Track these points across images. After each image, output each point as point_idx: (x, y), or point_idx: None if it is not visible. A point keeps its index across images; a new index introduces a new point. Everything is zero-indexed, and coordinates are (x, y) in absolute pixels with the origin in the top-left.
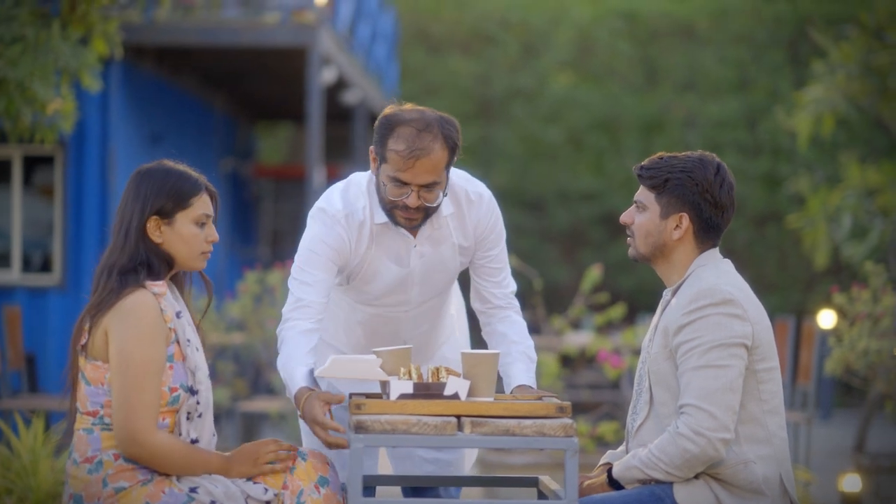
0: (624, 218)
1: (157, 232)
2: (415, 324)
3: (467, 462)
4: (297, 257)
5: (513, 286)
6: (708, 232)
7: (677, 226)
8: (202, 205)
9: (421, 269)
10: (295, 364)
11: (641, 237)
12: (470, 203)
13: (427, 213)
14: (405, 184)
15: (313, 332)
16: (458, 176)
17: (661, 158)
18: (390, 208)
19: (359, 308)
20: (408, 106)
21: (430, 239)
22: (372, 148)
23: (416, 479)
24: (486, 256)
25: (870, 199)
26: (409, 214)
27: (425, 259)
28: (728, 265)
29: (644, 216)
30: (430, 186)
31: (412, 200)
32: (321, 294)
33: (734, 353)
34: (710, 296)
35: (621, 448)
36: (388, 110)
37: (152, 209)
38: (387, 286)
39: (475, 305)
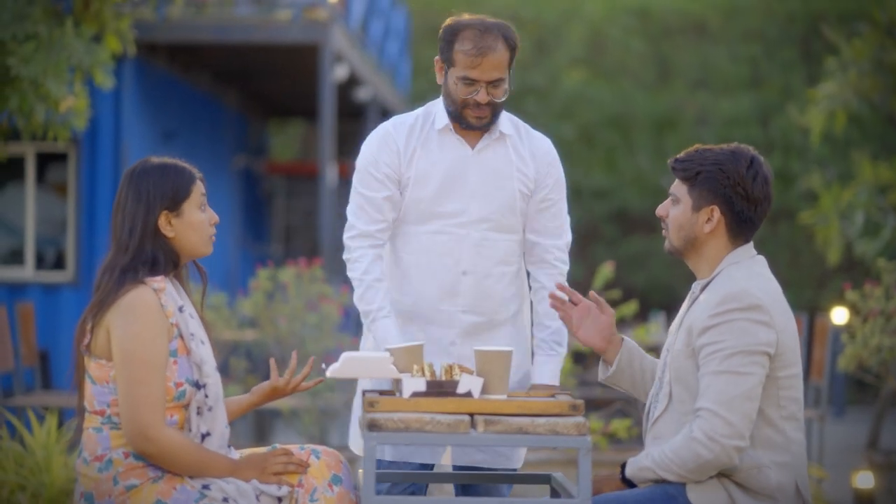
0: (659, 210)
1: (168, 226)
2: (476, 253)
3: (521, 452)
4: (353, 181)
5: (568, 237)
6: (741, 226)
7: (709, 219)
8: (199, 188)
9: (477, 174)
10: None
11: (675, 230)
12: (529, 134)
13: (495, 110)
14: (474, 81)
15: (376, 262)
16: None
17: (696, 151)
18: (462, 108)
19: (418, 235)
20: (465, 15)
21: (488, 150)
22: (437, 58)
23: (429, 475)
24: (546, 199)
25: (882, 195)
26: (480, 112)
27: (482, 166)
28: (761, 265)
29: (677, 209)
30: (496, 83)
31: (482, 96)
32: (378, 215)
33: (756, 361)
34: (738, 300)
35: (644, 452)
36: (449, 21)
37: (162, 204)
38: (441, 186)
39: (529, 265)
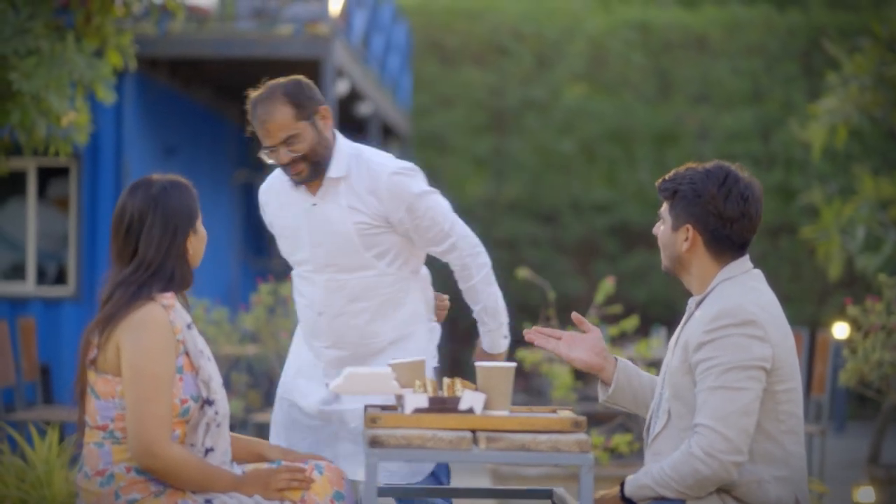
0: (654, 230)
1: (189, 244)
2: (327, 295)
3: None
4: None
5: (453, 236)
6: (719, 244)
7: (686, 238)
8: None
9: (310, 222)
10: None
11: (662, 250)
12: (370, 169)
13: (310, 161)
14: (271, 148)
15: None
16: (372, 152)
17: (682, 170)
18: (283, 172)
19: (293, 279)
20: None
21: (323, 197)
22: None
23: (427, 490)
24: (406, 222)
25: (883, 210)
26: (294, 170)
27: (313, 213)
28: (756, 279)
29: (662, 228)
30: (288, 141)
31: (283, 157)
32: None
33: (752, 376)
34: (732, 315)
35: (643, 469)
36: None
37: (190, 224)
38: (288, 239)
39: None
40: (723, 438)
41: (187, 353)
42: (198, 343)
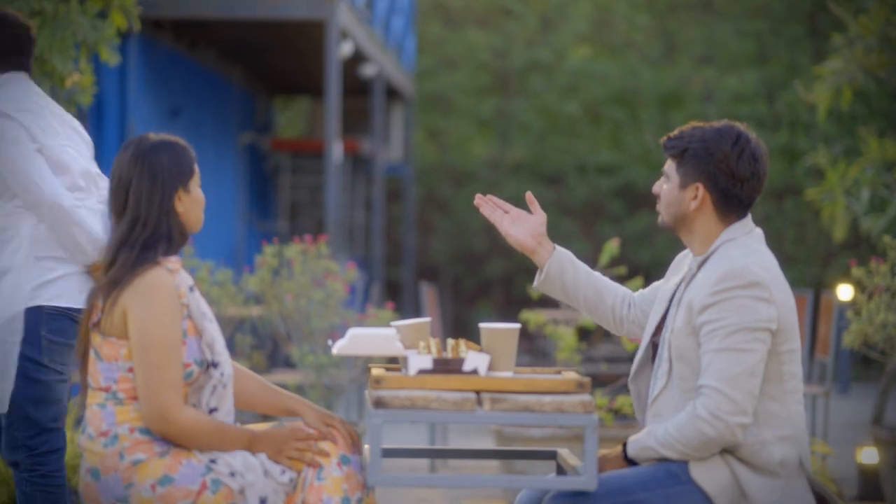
0: (654, 188)
1: (179, 202)
2: None
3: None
4: None
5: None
6: (728, 203)
7: (694, 196)
8: (196, 166)
9: None
10: None
11: (665, 207)
12: None
13: None
14: None
15: None
16: None
17: (689, 129)
18: None
19: None
20: None
21: None
22: None
23: (434, 451)
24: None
25: (888, 172)
26: None
27: None
28: (758, 241)
29: (667, 186)
30: None
31: None
32: None
33: (758, 338)
34: (738, 277)
35: (646, 431)
36: None
37: (179, 182)
38: None
39: None
40: (729, 400)
41: (190, 317)
42: (200, 305)
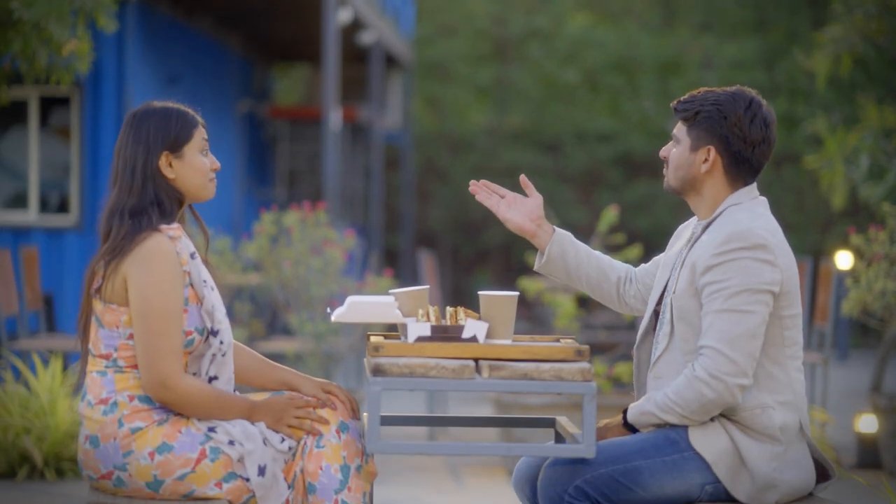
0: (662, 152)
1: (168, 167)
2: None
3: None
4: None
5: None
6: (738, 167)
7: (706, 159)
8: (201, 133)
9: None
10: None
11: (673, 170)
12: None
13: None
14: None
15: None
16: None
17: (700, 93)
18: None
19: None
20: None
21: None
22: None
23: (433, 419)
24: None
25: (888, 139)
26: None
27: None
28: (763, 206)
29: (677, 149)
30: None
31: None
32: None
33: (760, 300)
34: (743, 239)
35: (645, 396)
36: None
37: (162, 145)
38: None
39: None
40: (729, 361)
41: (192, 285)
42: (201, 273)
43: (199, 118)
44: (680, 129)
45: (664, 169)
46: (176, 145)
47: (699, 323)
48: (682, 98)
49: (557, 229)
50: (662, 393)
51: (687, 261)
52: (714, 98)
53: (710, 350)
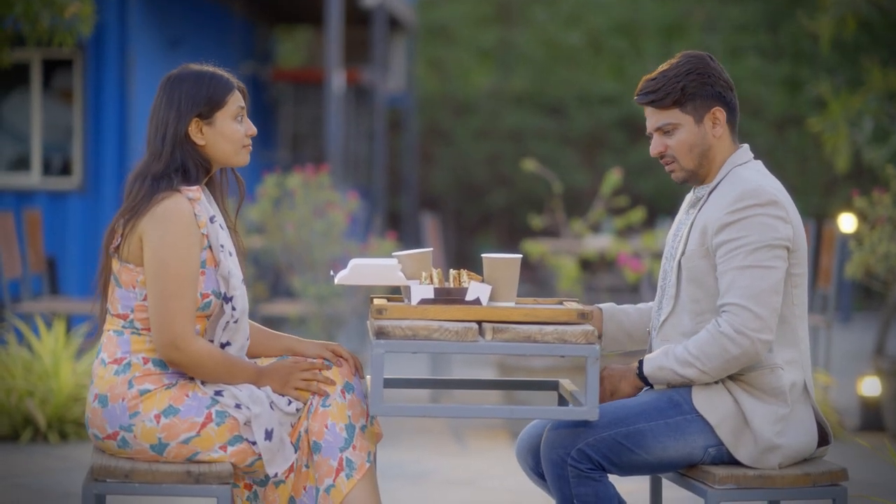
0: (653, 151)
1: (199, 134)
2: None
3: None
4: None
5: None
6: (734, 116)
7: (714, 123)
8: (236, 100)
9: None
10: None
11: (685, 154)
12: None
13: None
14: None
15: None
16: None
17: (658, 78)
18: None
19: None
20: None
21: None
22: None
23: (436, 381)
24: None
25: (891, 102)
26: None
27: None
28: (763, 167)
29: (679, 134)
30: None
31: None
32: None
33: (779, 255)
34: (756, 196)
35: (661, 350)
36: None
37: (193, 111)
38: None
39: None
40: (755, 316)
41: (210, 248)
42: (220, 237)
43: (235, 82)
44: (668, 116)
45: (667, 165)
46: (208, 111)
47: (711, 283)
48: (646, 91)
49: (601, 306)
50: (682, 346)
51: (696, 223)
52: (686, 68)
53: (735, 307)
